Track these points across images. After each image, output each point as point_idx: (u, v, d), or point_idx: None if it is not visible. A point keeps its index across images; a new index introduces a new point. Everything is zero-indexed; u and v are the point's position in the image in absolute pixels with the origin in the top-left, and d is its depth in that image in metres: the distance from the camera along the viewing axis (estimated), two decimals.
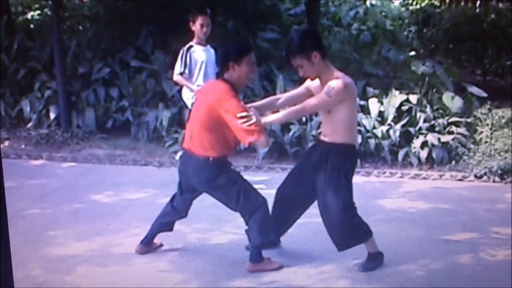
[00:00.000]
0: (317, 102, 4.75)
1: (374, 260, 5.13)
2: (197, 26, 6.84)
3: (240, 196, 4.90)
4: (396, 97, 8.79)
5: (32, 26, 13.13)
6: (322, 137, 5.07)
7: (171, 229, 5.44)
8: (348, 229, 4.98)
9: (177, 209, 5.28)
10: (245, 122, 4.61)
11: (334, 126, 4.85)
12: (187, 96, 6.99)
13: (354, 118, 5.01)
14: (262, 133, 4.69)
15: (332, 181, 4.86)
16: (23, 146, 9.20)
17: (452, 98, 8.77)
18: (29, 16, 13.91)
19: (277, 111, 5.06)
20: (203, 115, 4.80)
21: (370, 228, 5.08)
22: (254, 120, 4.63)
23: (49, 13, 12.77)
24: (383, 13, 14.51)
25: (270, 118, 4.89)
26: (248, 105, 4.98)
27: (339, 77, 4.74)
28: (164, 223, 5.37)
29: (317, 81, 4.93)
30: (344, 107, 4.76)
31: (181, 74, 6.88)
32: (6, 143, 9.32)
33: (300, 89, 5.16)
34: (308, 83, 5.07)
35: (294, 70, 4.99)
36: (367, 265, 5.10)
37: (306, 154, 5.40)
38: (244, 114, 4.63)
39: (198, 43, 6.93)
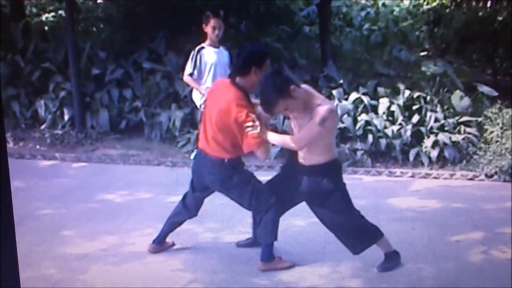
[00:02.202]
0: (313, 135, 4.64)
1: (392, 260, 5.17)
2: (210, 28, 6.87)
3: (253, 196, 4.96)
4: (407, 97, 8.82)
5: (46, 28, 13.23)
6: (300, 160, 4.92)
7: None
8: (359, 231, 5.03)
9: (188, 208, 5.34)
10: (249, 131, 4.67)
11: (314, 150, 4.79)
12: (197, 97, 7.05)
13: (333, 137, 5.06)
14: (261, 145, 4.73)
15: (330, 198, 4.90)
16: (37, 147, 9.29)
17: (461, 97, 8.78)
18: (43, 18, 14.02)
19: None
20: (216, 119, 4.84)
21: (380, 229, 5.12)
22: (257, 130, 4.66)
23: (63, 15, 12.88)
24: (394, 14, 14.51)
25: (270, 135, 4.80)
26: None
27: (324, 104, 4.68)
28: (176, 222, 5.43)
29: None
30: (329, 132, 4.78)
31: (191, 75, 6.93)
32: (21, 143, 9.42)
33: None
34: None
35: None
36: (385, 266, 5.14)
37: (282, 175, 5.24)
38: (250, 124, 4.66)
39: (210, 45, 6.97)
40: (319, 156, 4.82)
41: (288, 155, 5.39)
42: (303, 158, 4.91)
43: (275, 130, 8.00)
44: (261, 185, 5.05)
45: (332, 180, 4.91)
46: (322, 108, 4.62)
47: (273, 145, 5.14)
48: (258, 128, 4.66)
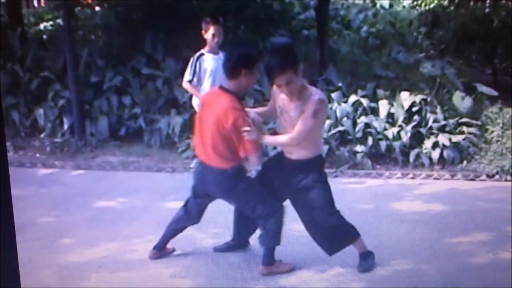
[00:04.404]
0: (307, 128, 4.66)
1: (369, 259, 5.19)
2: (209, 35, 6.83)
3: (257, 204, 4.95)
4: (406, 99, 8.80)
5: (44, 36, 13.26)
6: (287, 155, 4.95)
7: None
8: (337, 232, 5.04)
9: (190, 214, 5.32)
10: (246, 136, 4.69)
11: (303, 143, 4.80)
12: (197, 103, 7.03)
13: (323, 129, 5.06)
14: (256, 152, 4.78)
15: (313, 193, 4.91)
16: (37, 155, 9.28)
17: (462, 98, 8.76)
18: (41, 27, 14.05)
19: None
20: (213, 128, 4.83)
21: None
22: (253, 137, 4.69)
23: (61, 23, 12.88)
24: (392, 15, 14.50)
25: (266, 138, 4.92)
26: (253, 110, 5.03)
27: (315, 93, 4.73)
28: (178, 229, 5.42)
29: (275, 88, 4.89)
30: (321, 123, 4.83)
31: (190, 82, 6.91)
32: (21, 152, 9.41)
33: (271, 102, 5.13)
34: (273, 93, 5.01)
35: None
36: (364, 265, 5.16)
37: (267, 168, 5.21)
38: (247, 128, 4.69)
39: (210, 51, 6.93)
40: (307, 151, 4.84)
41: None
42: (290, 152, 4.92)
43: (275, 133, 8.01)
44: (265, 192, 5.03)
45: (317, 176, 4.93)
46: (313, 99, 4.64)
47: None
48: (255, 133, 4.67)
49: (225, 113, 4.74)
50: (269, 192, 5.04)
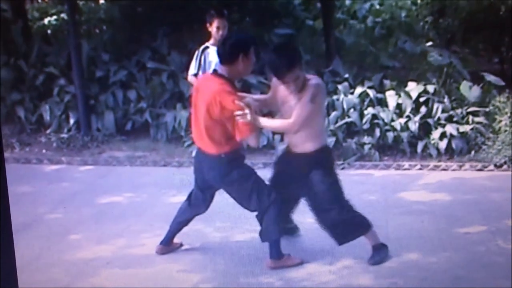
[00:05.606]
0: (307, 113, 4.69)
1: (381, 252, 5.17)
2: (214, 28, 6.80)
3: (253, 193, 4.92)
4: (414, 89, 8.75)
5: (49, 31, 13.22)
6: (292, 148, 4.97)
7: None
8: (347, 222, 5.02)
9: (194, 206, 5.31)
10: (239, 119, 4.64)
11: (305, 133, 4.81)
12: None
13: (324, 119, 5.06)
14: (252, 132, 4.72)
15: (321, 186, 4.91)
16: (44, 151, 9.28)
17: (470, 87, 8.70)
18: (45, 21, 14.00)
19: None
20: (205, 113, 4.79)
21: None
22: (248, 118, 4.62)
23: (65, 18, 12.85)
24: (398, 5, 14.39)
25: (263, 121, 4.83)
26: (249, 95, 5.00)
27: (312, 79, 4.78)
28: (182, 222, 5.40)
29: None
30: (320, 108, 4.82)
31: (195, 75, 6.88)
32: (27, 148, 9.40)
33: (271, 94, 5.14)
34: (273, 84, 5.05)
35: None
36: (375, 258, 5.13)
37: (277, 165, 5.32)
38: (239, 112, 4.63)
39: (214, 44, 6.89)
40: (311, 143, 4.85)
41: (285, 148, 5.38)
42: (294, 145, 4.94)
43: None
44: (262, 182, 5.01)
45: (324, 167, 4.92)
46: (310, 84, 4.70)
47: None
48: (249, 115, 4.62)
49: (215, 97, 4.69)
50: (284, 191, 5.02)
